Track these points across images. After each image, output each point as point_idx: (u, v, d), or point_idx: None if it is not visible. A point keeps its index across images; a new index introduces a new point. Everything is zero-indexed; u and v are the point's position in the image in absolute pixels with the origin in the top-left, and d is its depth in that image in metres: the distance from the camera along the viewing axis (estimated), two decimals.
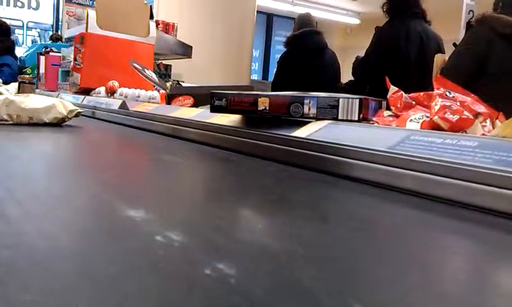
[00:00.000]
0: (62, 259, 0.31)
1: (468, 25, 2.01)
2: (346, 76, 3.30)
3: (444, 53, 2.32)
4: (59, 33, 5.12)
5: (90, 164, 0.80)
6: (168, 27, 3.62)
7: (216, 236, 0.39)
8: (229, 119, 0.96)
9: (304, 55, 2.96)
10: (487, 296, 0.31)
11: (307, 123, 0.81)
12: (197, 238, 0.38)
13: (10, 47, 3.98)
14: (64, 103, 1.23)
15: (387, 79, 0.99)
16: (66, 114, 1.20)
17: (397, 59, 2.40)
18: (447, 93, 0.83)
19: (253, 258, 0.34)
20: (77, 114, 1.23)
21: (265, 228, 0.45)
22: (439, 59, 1.98)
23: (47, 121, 1.17)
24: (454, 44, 2.03)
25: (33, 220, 0.40)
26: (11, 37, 4.34)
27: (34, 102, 1.18)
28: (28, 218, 0.40)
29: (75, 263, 0.31)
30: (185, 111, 1.21)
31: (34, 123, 1.16)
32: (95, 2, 2.71)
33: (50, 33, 6.15)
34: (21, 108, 1.15)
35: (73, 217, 0.43)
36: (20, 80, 1.93)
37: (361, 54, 2.71)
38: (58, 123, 1.20)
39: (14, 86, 1.99)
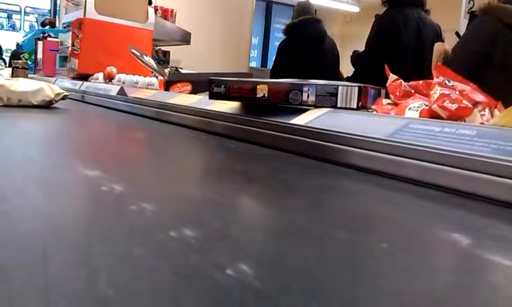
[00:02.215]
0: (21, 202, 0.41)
1: (472, 14, 1.98)
2: (346, 64, 3.28)
3: (443, 41, 2.31)
4: (51, 17, 5.08)
5: (71, 139, 0.87)
6: (166, 13, 3.60)
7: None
8: (228, 106, 0.96)
9: (304, 43, 2.95)
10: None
11: (306, 110, 0.81)
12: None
13: None
14: (51, 86, 1.31)
15: (386, 67, 0.99)
16: (53, 96, 1.28)
17: (396, 48, 2.40)
18: (446, 82, 0.83)
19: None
20: (64, 97, 1.32)
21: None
22: (439, 48, 1.97)
23: (35, 103, 1.25)
24: (457, 33, 2.01)
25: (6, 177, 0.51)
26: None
27: (23, 85, 1.26)
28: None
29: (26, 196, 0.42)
30: (183, 98, 1.20)
31: (23, 105, 1.24)
32: None
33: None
34: (11, 91, 1.23)
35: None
36: (13, 65, 1.98)
37: (361, 41, 2.70)
38: (46, 105, 1.28)
39: (8, 71, 2.03)
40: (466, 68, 1.63)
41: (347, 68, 3.17)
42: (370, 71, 2.44)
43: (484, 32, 1.80)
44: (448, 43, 2.05)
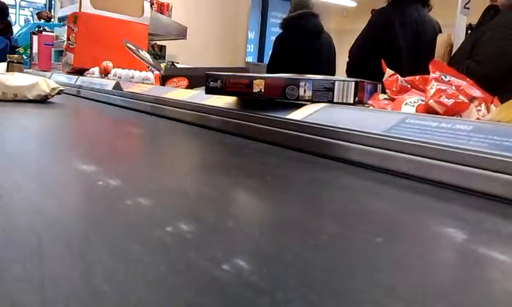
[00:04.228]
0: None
1: (492, 8, 1.90)
2: (342, 60, 3.28)
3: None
4: (48, 12, 5.06)
5: (67, 134, 0.85)
6: (162, 7, 3.58)
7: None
8: (224, 101, 0.96)
9: (301, 38, 2.94)
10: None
11: (302, 105, 0.81)
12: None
13: (3, 28, 3.95)
14: (47, 81, 1.31)
15: (383, 63, 0.99)
16: (48, 91, 1.28)
17: (390, 45, 2.38)
18: (443, 77, 0.83)
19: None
20: (59, 92, 1.32)
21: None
22: (445, 39, 1.93)
23: (31, 98, 1.26)
24: (470, 25, 1.96)
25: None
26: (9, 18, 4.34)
27: (19, 79, 1.26)
28: None
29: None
30: (179, 93, 1.20)
31: (18, 100, 1.25)
32: None
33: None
34: (6, 85, 1.23)
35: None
36: (9, 59, 1.96)
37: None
38: (41, 100, 1.28)
39: (3, 65, 2.02)
40: (504, 67, 1.58)
41: (343, 64, 3.16)
42: (363, 65, 2.43)
43: None
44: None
